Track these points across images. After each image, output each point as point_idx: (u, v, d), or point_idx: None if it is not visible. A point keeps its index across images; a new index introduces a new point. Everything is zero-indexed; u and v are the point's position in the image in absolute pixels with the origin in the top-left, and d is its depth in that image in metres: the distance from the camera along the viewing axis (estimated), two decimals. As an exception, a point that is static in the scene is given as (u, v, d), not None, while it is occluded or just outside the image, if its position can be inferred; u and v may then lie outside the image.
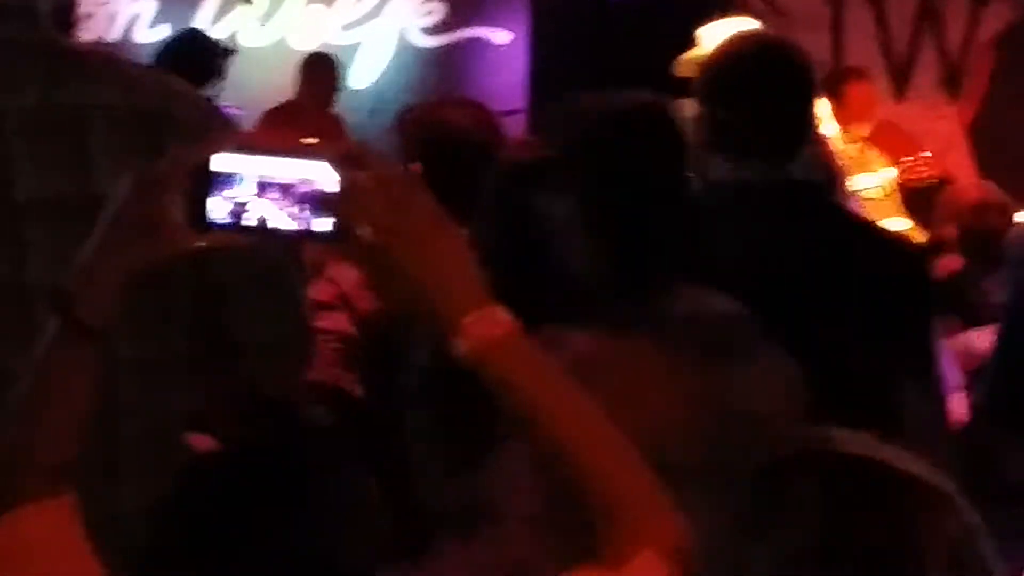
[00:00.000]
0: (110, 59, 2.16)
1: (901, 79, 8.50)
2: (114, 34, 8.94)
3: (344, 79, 8.47)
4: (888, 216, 6.70)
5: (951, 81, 8.58)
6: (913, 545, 1.29)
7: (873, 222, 3.55)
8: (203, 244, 1.53)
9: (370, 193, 1.49)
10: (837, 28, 8.47)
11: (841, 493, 1.33)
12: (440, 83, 9.01)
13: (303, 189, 1.51)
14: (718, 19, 6.54)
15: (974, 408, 3.61)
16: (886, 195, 6.97)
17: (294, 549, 1.69)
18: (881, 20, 8.52)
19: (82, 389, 1.56)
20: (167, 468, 1.90)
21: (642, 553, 1.43)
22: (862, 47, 8.14)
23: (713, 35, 6.19)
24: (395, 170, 1.53)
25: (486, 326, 1.49)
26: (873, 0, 8.50)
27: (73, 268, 1.56)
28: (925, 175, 6.94)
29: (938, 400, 2.91)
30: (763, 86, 2.94)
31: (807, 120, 3.04)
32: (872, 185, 6.89)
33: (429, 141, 3.55)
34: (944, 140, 7.77)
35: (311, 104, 7.90)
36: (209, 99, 2.55)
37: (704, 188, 2.88)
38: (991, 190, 6.17)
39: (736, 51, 3.10)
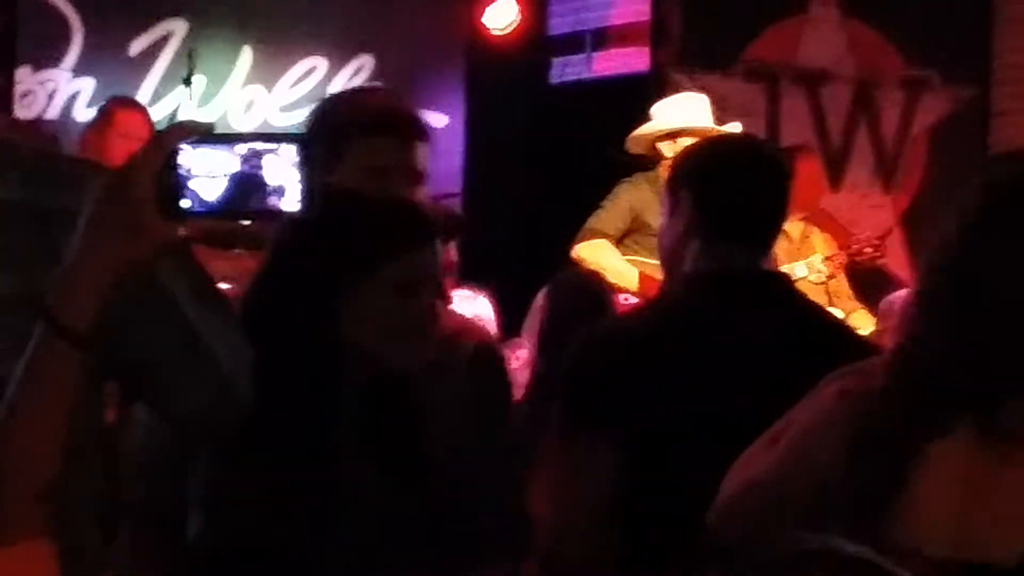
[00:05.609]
0: (9, 146, 1.98)
1: (836, 169, 8.54)
2: (53, 112, 8.88)
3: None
4: (826, 301, 6.70)
5: (886, 171, 8.64)
6: None
7: (840, 320, 3.71)
8: (184, 234, 1.55)
9: None
10: (773, 117, 8.53)
11: None
12: (377, 166, 8.99)
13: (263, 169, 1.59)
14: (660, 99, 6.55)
15: None
16: (821, 282, 6.95)
17: None
18: (816, 110, 8.58)
19: (66, 399, 1.56)
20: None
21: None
22: (797, 136, 8.19)
23: (666, 112, 6.24)
24: None
25: None
26: (808, 89, 8.56)
27: (56, 277, 1.56)
28: (869, 256, 6.96)
29: None
30: (755, 177, 3.10)
31: (784, 212, 3.18)
32: (810, 272, 6.83)
33: None
34: (878, 230, 7.81)
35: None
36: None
37: (684, 278, 3.03)
38: None
39: (728, 144, 3.41)
